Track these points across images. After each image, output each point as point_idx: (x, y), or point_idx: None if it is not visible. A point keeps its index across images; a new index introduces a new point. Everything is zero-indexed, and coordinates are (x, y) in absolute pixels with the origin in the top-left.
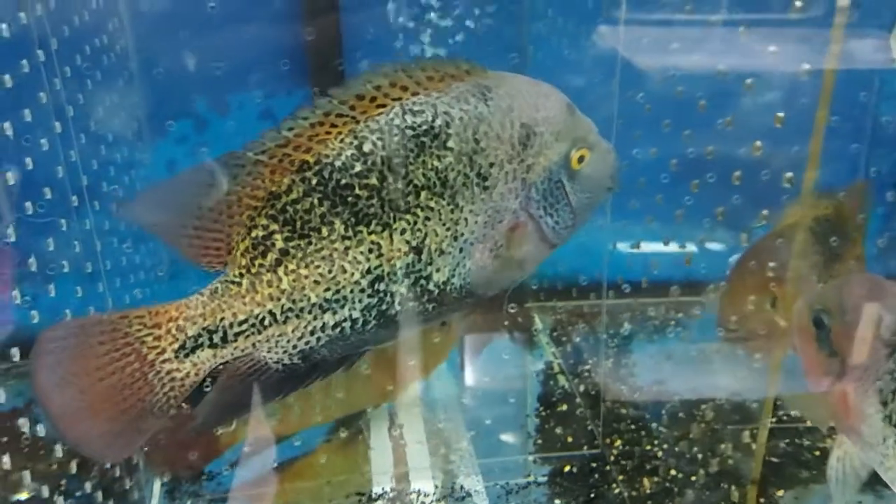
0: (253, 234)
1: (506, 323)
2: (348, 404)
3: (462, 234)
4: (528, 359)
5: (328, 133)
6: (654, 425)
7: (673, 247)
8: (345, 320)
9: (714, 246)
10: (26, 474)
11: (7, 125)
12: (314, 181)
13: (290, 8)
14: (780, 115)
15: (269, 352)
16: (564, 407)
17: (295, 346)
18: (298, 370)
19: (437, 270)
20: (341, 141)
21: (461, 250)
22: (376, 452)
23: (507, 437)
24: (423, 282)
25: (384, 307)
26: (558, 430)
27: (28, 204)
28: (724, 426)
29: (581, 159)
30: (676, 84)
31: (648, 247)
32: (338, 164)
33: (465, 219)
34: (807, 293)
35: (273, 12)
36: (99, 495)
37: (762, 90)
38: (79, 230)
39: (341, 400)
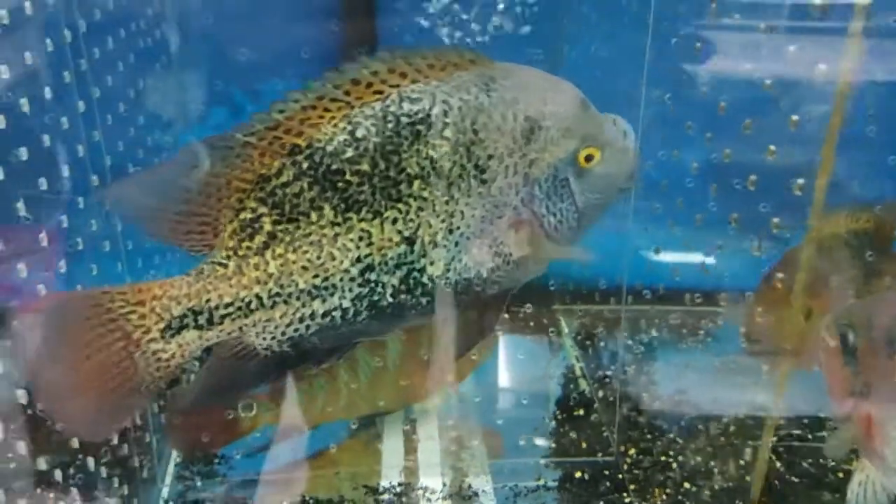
0: (241, 217)
1: (531, 324)
2: (376, 403)
3: (458, 228)
4: (551, 361)
5: (321, 117)
6: (670, 435)
7: (695, 255)
8: (335, 309)
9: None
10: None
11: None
12: (305, 165)
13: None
14: (795, 118)
15: (257, 336)
16: (582, 411)
17: (284, 333)
18: (288, 357)
19: (432, 263)
20: (334, 125)
21: (457, 244)
22: (387, 446)
23: (521, 441)
24: (416, 274)
25: (376, 298)
26: (573, 435)
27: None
28: (741, 440)
29: (589, 158)
30: (717, 92)
31: (669, 256)
32: (329, 148)
33: (462, 212)
34: (835, 308)
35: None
36: (110, 475)
37: (796, 97)
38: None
39: (368, 397)
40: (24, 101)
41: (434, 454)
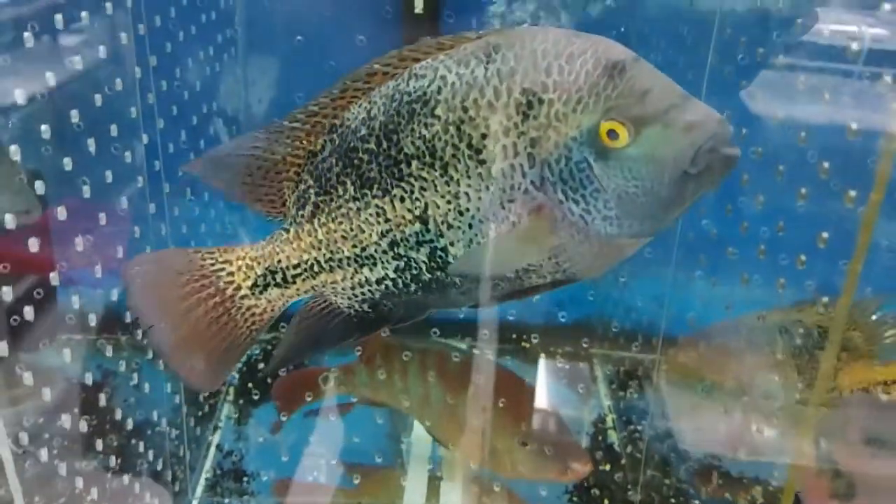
0: (298, 188)
1: (566, 367)
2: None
3: (467, 210)
4: (583, 408)
5: (350, 101)
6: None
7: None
8: (384, 278)
9: None
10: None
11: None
12: (336, 142)
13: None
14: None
15: (336, 296)
16: (608, 467)
17: (355, 295)
18: (368, 318)
19: (452, 244)
20: (359, 105)
21: (471, 226)
22: (410, 485)
23: (543, 491)
24: (441, 254)
25: (415, 272)
26: (595, 492)
27: None
28: None
29: (613, 135)
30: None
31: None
32: (351, 126)
33: (466, 193)
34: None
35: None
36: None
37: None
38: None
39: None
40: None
41: (455, 497)
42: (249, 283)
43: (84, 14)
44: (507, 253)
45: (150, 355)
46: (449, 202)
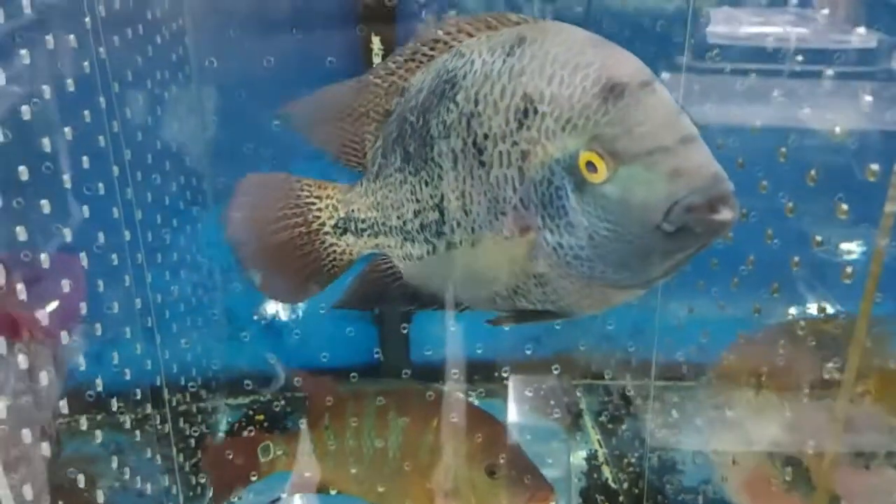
0: (374, 145)
1: (551, 402)
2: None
3: (471, 212)
4: (571, 445)
5: (418, 66)
6: None
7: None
8: (422, 257)
9: None
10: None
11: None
12: (399, 107)
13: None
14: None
15: (396, 260)
16: None
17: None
18: (421, 293)
19: (461, 243)
20: (420, 73)
21: (473, 230)
22: None
23: None
24: (455, 250)
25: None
26: None
27: None
28: None
29: (591, 167)
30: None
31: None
32: (409, 94)
33: (470, 194)
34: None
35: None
36: None
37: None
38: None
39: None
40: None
41: None
42: (332, 222)
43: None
44: (478, 267)
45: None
46: (458, 198)
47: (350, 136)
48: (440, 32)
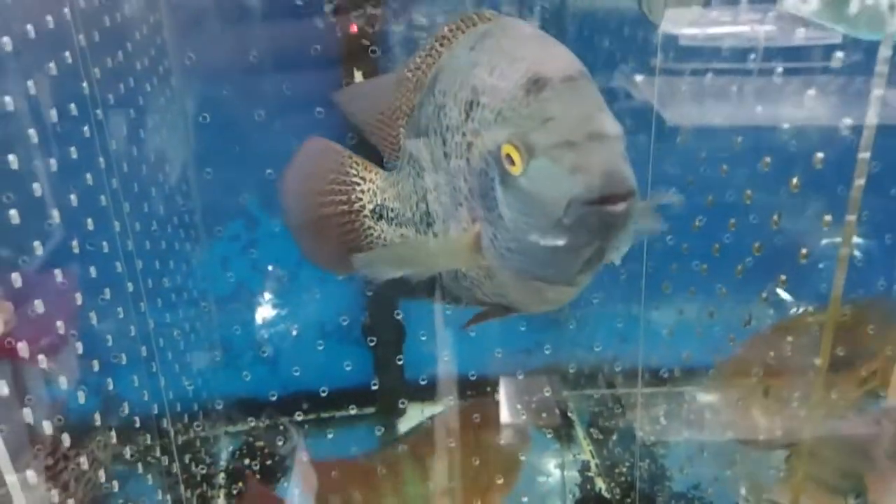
0: (402, 138)
1: (543, 415)
2: None
3: (443, 203)
4: (565, 456)
5: (434, 62)
6: None
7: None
8: None
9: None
10: None
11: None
12: (416, 102)
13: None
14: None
15: None
16: None
17: None
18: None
19: (439, 234)
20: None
21: (444, 221)
22: None
23: None
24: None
25: None
26: None
27: None
28: None
29: (509, 159)
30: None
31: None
32: (422, 91)
33: (441, 184)
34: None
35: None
36: None
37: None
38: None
39: None
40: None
41: None
42: (371, 207)
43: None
44: (444, 257)
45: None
46: (434, 190)
47: (388, 129)
48: (446, 29)
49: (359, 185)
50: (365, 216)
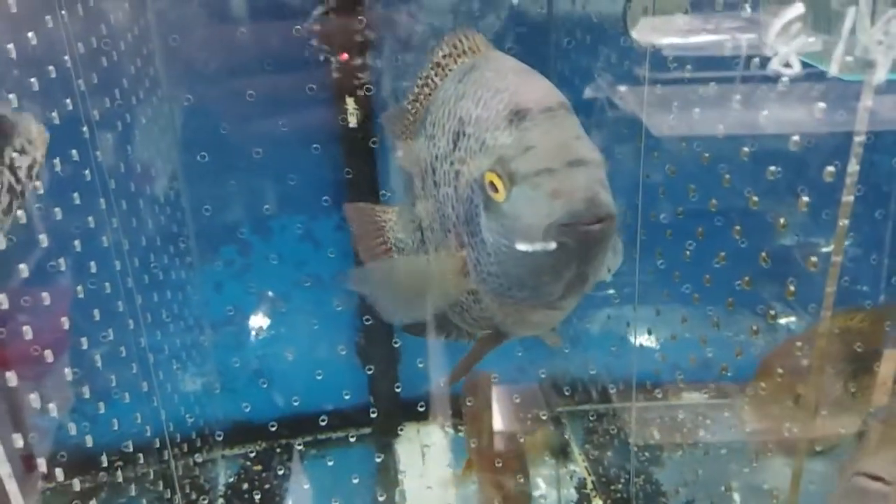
0: None
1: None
2: None
3: (434, 230)
4: (560, 475)
5: (431, 92)
6: None
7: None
8: None
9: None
10: None
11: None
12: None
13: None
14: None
15: None
16: None
17: None
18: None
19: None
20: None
21: (436, 248)
22: None
23: None
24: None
25: None
26: None
27: None
28: None
29: (493, 187)
30: None
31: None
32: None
33: (431, 213)
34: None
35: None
36: None
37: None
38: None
39: None
40: None
41: None
42: (392, 241)
43: None
44: (418, 279)
45: None
46: (427, 217)
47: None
48: (440, 55)
49: (384, 225)
50: (399, 250)
